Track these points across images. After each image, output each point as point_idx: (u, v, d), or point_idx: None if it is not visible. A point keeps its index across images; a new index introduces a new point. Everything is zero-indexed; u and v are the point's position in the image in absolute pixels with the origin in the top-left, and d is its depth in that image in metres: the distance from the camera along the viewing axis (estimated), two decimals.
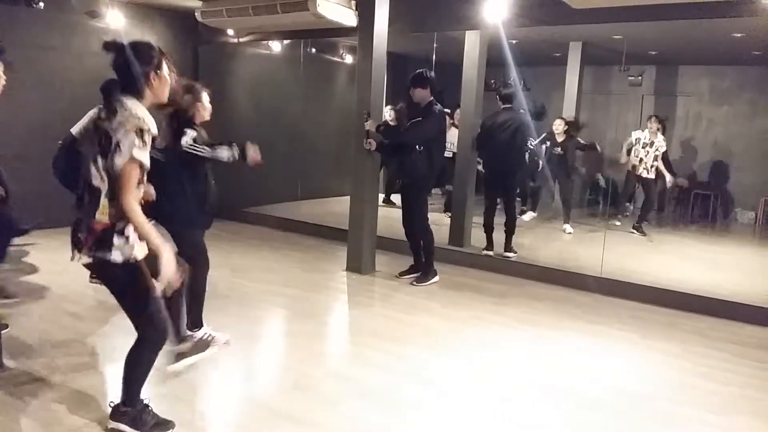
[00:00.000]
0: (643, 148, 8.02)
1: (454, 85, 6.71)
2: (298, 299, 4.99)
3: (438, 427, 3.01)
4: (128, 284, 2.61)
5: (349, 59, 9.58)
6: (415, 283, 5.54)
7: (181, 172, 3.57)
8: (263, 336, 4.35)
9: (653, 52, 8.36)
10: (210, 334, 3.83)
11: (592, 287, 5.49)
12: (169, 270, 2.54)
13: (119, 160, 2.42)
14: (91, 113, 2.82)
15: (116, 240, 2.50)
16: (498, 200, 6.47)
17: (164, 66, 2.62)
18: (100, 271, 2.64)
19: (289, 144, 8.44)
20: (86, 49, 7.14)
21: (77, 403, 3.03)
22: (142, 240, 2.54)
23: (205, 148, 3.61)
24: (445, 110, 5.53)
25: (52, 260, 5.44)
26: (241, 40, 8.11)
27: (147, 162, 2.50)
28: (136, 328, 2.73)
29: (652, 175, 8.03)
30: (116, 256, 2.50)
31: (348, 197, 5.92)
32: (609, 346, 4.25)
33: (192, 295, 3.72)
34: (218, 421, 3.03)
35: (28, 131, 6.30)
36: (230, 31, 7.94)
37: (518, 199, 8.76)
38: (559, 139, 8.02)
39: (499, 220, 6.35)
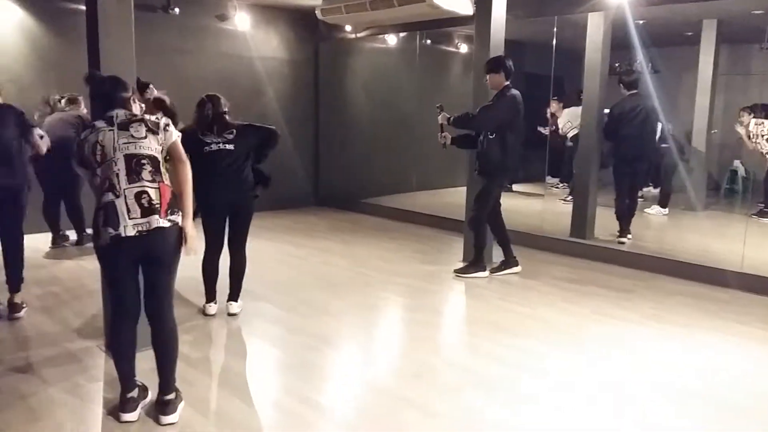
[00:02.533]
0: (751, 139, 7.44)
1: (576, 71, 6.45)
2: (416, 289, 5.04)
3: (555, 423, 2.92)
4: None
5: (464, 49, 9.49)
6: (459, 274, 5.33)
7: None
8: (382, 323, 4.44)
9: None
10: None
11: (731, 283, 5.09)
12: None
13: None
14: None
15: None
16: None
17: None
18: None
19: (404, 136, 8.53)
20: (217, 50, 7.61)
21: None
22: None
23: None
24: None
25: None
26: (358, 35, 8.29)
27: None
28: (163, 308, 2.81)
29: None
30: (180, 220, 2.79)
31: (464, 188, 5.88)
32: (749, 347, 3.92)
33: None
34: (341, 403, 3.13)
35: None
36: (348, 27, 8.14)
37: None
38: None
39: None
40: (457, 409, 3.01)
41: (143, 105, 2.98)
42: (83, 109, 5.87)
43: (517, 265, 5.45)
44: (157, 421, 2.80)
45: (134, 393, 2.86)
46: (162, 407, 2.81)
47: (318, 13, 7.48)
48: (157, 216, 2.66)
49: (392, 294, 4.96)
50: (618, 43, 6.43)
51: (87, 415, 2.88)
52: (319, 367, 3.53)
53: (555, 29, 6.67)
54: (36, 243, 5.70)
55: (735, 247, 5.59)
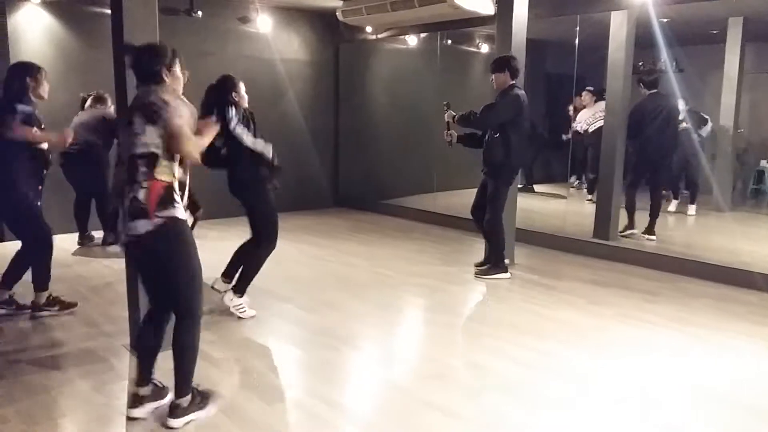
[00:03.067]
0: None
1: (599, 70, 6.39)
2: (437, 290, 5.02)
3: (579, 428, 2.89)
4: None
5: (485, 49, 9.44)
6: (480, 275, 5.31)
7: None
8: (403, 324, 4.43)
9: None
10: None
11: (759, 285, 4.99)
12: None
13: None
14: None
15: (176, 196, 2.70)
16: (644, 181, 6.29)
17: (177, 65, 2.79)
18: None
19: (425, 136, 8.50)
20: (240, 53, 7.66)
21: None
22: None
23: None
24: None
25: None
26: (379, 36, 8.29)
27: None
28: (182, 305, 2.74)
29: None
30: (178, 213, 2.67)
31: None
32: None
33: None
34: (362, 402, 3.14)
35: None
36: (369, 28, 8.14)
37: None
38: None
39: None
40: (479, 411, 3.00)
41: (181, 74, 2.84)
42: (110, 108, 5.96)
43: (506, 271, 5.34)
44: (164, 423, 2.78)
45: (146, 391, 2.85)
46: (170, 410, 2.78)
47: (339, 14, 7.51)
48: (145, 220, 2.56)
49: (413, 295, 4.96)
50: (642, 41, 6.36)
51: (110, 413, 2.92)
52: (340, 368, 3.53)
53: (578, 28, 6.61)
54: (64, 243, 5.79)
55: (762, 248, 5.49)
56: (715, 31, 7.87)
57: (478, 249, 6.03)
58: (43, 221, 4.15)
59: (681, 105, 7.41)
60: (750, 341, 3.98)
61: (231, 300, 4.19)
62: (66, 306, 4.26)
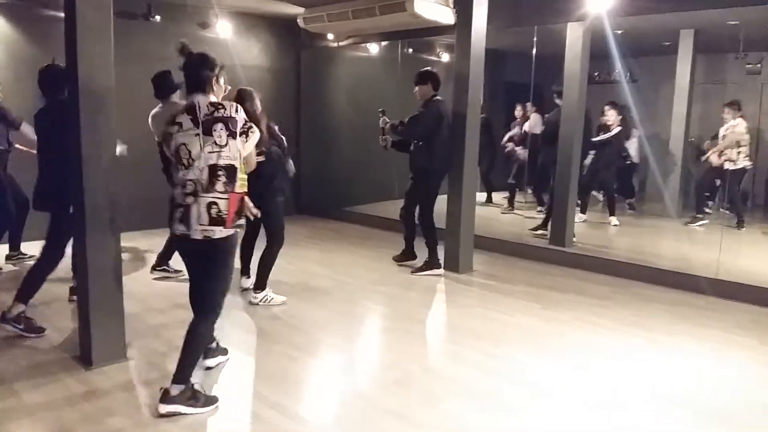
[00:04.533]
0: (722, 139, 7.51)
1: (557, 80, 6.53)
2: (397, 297, 5.04)
3: (537, 431, 2.94)
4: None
5: (446, 57, 9.54)
6: (416, 272, 5.70)
7: None
8: (362, 332, 4.43)
9: None
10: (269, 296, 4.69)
11: (707, 289, 5.16)
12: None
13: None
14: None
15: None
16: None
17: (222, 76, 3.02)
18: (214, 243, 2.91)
19: None
20: None
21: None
22: None
23: None
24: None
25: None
26: (340, 43, 8.30)
27: None
28: (211, 303, 3.01)
29: (738, 165, 7.34)
30: (243, 222, 3.01)
31: (445, 196, 5.91)
32: (726, 353, 3.97)
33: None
34: (321, 412, 3.12)
35: (147, 140, 6.76)
36: (330, 36, 8.15)
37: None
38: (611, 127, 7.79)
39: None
40: (439, 417, 3.02)
41: (225, 87, 3.08)
42: None
43: (440, 267, 5.71)
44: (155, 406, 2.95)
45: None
46: (162, 394, 2.93)
47: (300, 21, 7.49)
48: (221, 227, 2.86)
49: (373, 302, 4.96)
50: (597, 52, 6.52)
51: (60, 428, 2.84)
52: (298, 377, 3.51)
53: (535, 39, 6.74)
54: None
55: (710, 253, 5.68)
56: (667, 43, 8.11)
57: (438, 256, 6.08)
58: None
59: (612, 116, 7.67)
60: (700, 343, 4.11)
61: (255, 297, 4.66)
62: (34, 330, 3.95)
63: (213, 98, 2.94)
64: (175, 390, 2.91)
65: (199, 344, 3.01)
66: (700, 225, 7.54)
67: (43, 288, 4.08)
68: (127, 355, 3.58)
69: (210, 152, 2.83)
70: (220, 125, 2.83)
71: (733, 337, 4.22)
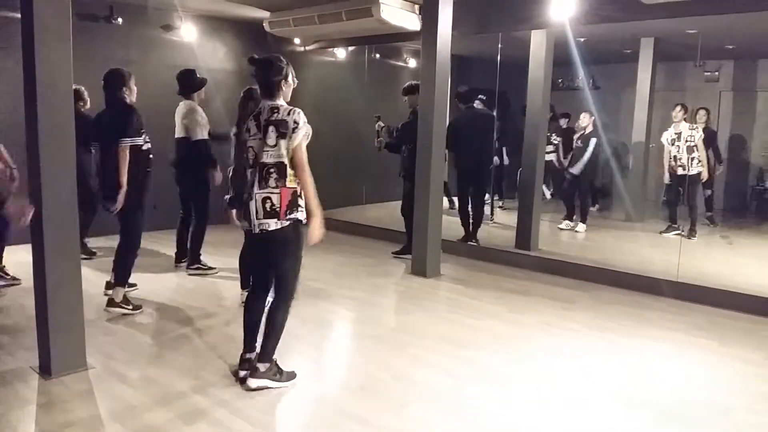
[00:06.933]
0: (672, 144, 7.46)
1: (521, 86, 6.62)
2: (364, 302, 5.03)
3: None
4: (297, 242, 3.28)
5: (413, 63, 9.61)
6: (395, 254, 6.52)
7: None
8: (328, 337, 4.41)
9: (730, 46, 7.96)
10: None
11: (667, 292, 5.28)
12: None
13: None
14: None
15: (300, 202, 3.23)
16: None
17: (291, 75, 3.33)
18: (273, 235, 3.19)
19: (354, 149, 8.54)
20: (162, 61, 7.46)
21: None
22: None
23: None
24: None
25: None
26: (307, 48, 8.28)
27: None
28: (284, 289, 3.29)
29: (692, 171, 7.33)
30: (301, 216, 3.22)
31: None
32: (686, 354, 4.07)
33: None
34: (286, 418, 3.10)
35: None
36: (297, 40, 8.13)
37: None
38: (586, 132, 7.89)
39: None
40: (405, 422, 3.02)
41: (294, 81, 3.39)
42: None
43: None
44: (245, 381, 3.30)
45: (252, 355, 3.39)
46: (251, 371, 3.30)
47: (266, 25, 7.45)
48: (276, 219, 3.15)
49: (340, 307, 4.94)
50: (560, 59, 6.64)
51: None
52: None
53: (500, 45, 6.82)
54: None
55: (670, 256, 5.81)
56: (628, 51, 8.30)
57: (405, 261, 6.10)
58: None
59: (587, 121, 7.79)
60: (661, 345, 4.19)
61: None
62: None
63: (280, 101, 3.24)
64: (262, 367, 3.28)
65: (279, 325, 3.31)
66: (676, 234, 7.44)
67: (7, 296, 3.97)
68: (87, 364, 3.50)
69: (263, 151, 3.14)
70: (272, 128, 3.14)
71: (694, 339, 4.32)
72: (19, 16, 3.20)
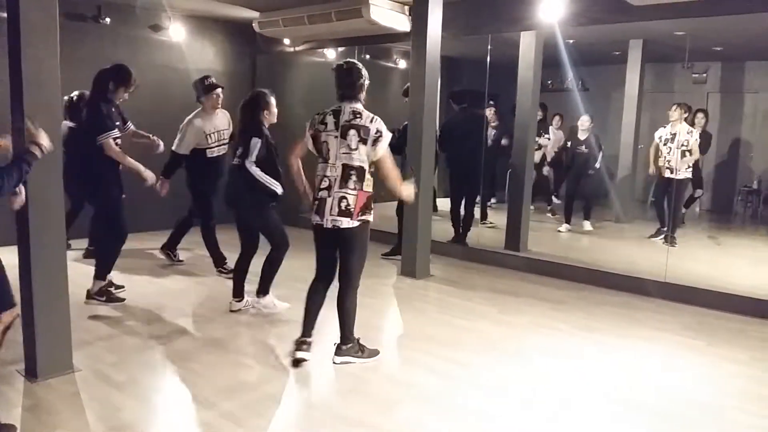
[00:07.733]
0: (665, 145, 7.09)
1: (511, 87, 6.63)
2: None
3: None
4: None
5: (402, 64, 9.60)
6: (384, 256, 6.45)
7: None
8: (319, 340, 4.38)
9: (718, 48, 8.03)
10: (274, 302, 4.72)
11: (656, 292, 5.31)
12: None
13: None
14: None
15: (372, 205, 3.51)
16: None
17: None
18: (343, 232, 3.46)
19: None
20: (151, 61, 7.41)
21: None
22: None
23: None
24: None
25: None
26: (296, 48, 8.25)
27: None
28: (351, 279, 3.58)
29: (681, 176, 7.03)
30: (370, 218, 3.50)
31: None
32: (674, 354, 4.09)
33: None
34: (275, 421, 3.08)
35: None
36: (286, 41, 8.09)
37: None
38: (583, 137, 7.88)
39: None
40: (396, 423, 3.01)
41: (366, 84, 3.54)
42: None
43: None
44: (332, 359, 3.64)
45: (309, 338, 3.67)
46: (336, 350, 3.67)
47: (255, 26, 7.42)
48: (349, 218, 3.40)
49: (328, 309, 4.90)
50: (550, 61, 6.66)
51: None
52: (252, 386, 3.45)
53: (489, 47, 6.83)
54: None
55: (659, 257, 5.84)
56: (617, 52, 8.35)
57: (394, 261, 6.10)
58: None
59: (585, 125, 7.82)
60: (651, 345, 4.21)
61: (258, 302, 4.65)
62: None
63: (360, 104, 3.46)
64: (345, 347, 3.64)
65: (351, 309, 3.63)
66: (662, 239, 7.22)
67: None
68: (74, 367, 3.47)
69: (343, 153, 3.37)
70: (353, 131, 3.36)
71: (683, 339, 4.34)
72: (5, 15, 3.16)
